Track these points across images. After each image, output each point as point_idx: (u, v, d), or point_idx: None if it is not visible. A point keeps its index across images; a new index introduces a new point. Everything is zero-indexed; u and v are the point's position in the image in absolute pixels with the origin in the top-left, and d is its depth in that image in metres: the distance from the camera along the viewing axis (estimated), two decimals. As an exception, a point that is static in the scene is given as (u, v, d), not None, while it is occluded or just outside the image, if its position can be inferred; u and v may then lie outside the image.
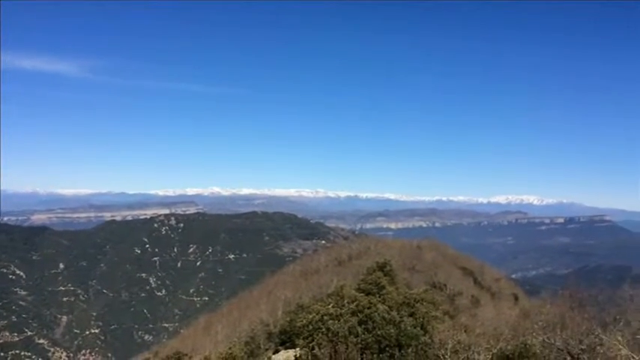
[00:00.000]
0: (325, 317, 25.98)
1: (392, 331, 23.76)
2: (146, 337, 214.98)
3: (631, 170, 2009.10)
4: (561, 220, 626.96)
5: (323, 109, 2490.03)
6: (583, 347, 21.80)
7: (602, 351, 21.45)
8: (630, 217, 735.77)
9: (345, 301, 27.84)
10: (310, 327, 26.09)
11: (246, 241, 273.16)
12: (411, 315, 25.84)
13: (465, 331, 30.46)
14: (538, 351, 20.66)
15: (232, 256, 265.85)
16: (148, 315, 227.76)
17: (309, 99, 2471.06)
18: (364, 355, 23.51)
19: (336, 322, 24.93)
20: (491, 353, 21.45)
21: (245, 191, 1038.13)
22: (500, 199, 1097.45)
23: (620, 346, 19.43)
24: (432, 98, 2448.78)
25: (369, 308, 25.32)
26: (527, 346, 20.20)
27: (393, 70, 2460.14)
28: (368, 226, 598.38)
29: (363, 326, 24.65)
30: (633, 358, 19.04)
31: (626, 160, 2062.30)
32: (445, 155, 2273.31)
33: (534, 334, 24.64)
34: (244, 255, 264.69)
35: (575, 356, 21.86)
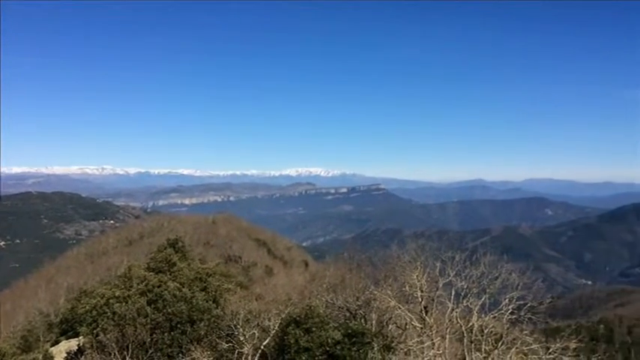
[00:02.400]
0: (111, 301, 24.45)
1: (183, 307, 23.32)
2: None
3: (402, 141, 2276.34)
4: (345, 190, 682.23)
5: (108, 81, 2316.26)
6: (359, 303, 24.14)
7: (375, 305, 24.02)
8: (401, 185, 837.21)
9: (134, 282, 26.50)
10: (94, 312, 24.35)
11: (20, 226, 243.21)
12: (204, 290, 25.67)
13: (257, 300, 31.49)
14: (322, 311, 22.21)
15: (3, 243, 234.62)
16: None
17: (95, 71, 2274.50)
18: (154, 335, 22.71)
19: (124, 304, 23.60)
20: (280, 318, 22.45)
21: (16, 170, 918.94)
22: (291, 171, 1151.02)
23: (390, 299, 21.94)
24: (219, 74, 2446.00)
25: (159, 287, 24.44)
26: (312, 307, 21.55)
27: (173, 47, 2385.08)
28: (161, 202, 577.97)
29: (152, 306, 23.74)
30: (399, 307, 21.69)
31: (398, 133, 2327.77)
32: (238, 130, 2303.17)
33: (319, 295, 26.51)
34: (18, 241, 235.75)
35: (353, 312, 24.11)
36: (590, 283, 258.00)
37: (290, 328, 21.10)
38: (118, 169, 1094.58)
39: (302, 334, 20.47)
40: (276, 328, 22.13)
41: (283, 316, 22.37)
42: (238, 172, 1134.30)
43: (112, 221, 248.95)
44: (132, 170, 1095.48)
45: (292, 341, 20.58)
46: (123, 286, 26.11)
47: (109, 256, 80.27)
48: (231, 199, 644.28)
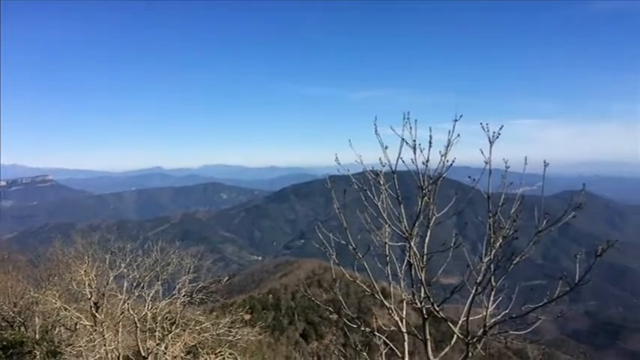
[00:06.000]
0: None
1: None
2: None
3: (69, 126, 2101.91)
4: (3, 184, 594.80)
5: None
6: (18, 310, 21.50)
7: (38, 308, 21.74)
8: (73, 176, 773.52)
9: None
10: None
11: None
12: None
13: None
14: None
15: None
16: None
17: None
18: None
19: None
20: None
21: None
22: None
23: (55, 300, 20.12)
24: None
25: None
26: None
27: None
28: None
29: None
30: (66, 308, 20.12)
31: (66, 120, 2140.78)
32: None
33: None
34: None
35: (10, 320, 21.35)
36: (260, 258, 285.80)
37: None
38: None
39: (-62, 357, 17.14)
40: None
41: None
42: None
43: None
44: None
45: None
46: None
47: None
48: None
